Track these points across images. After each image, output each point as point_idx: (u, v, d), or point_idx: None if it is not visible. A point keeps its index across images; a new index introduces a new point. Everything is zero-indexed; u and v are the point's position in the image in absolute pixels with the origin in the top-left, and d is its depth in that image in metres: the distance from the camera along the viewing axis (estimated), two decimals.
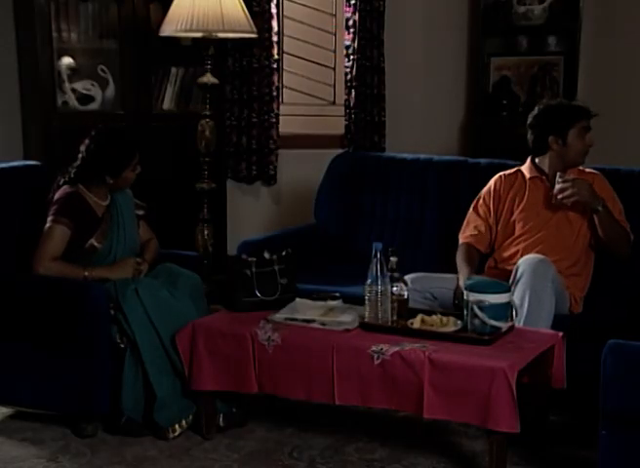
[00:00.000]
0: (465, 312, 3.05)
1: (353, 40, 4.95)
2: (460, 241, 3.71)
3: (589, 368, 2.78)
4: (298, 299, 3.36)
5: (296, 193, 5.00)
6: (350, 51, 4.97)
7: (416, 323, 3.10)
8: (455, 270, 3.58)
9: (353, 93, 4.98)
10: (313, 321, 3.17)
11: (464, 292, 3.07)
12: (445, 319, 3.11)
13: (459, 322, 3.09)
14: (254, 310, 3.31)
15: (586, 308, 3.50)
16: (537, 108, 3.63)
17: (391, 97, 4.98)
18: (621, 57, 4.97)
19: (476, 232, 3.69)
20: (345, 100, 5.02)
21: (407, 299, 3.17)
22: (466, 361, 2.83)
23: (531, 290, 3.24)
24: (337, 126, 5.04)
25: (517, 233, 3.62)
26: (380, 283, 3.10)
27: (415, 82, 5.09)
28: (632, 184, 3.72)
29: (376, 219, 4.17)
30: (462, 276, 3.49)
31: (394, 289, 3.13)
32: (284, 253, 3.43)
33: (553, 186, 3.48)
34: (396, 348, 2.92)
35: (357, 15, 4.93)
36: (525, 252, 3.52)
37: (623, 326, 3.14)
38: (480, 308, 2.99)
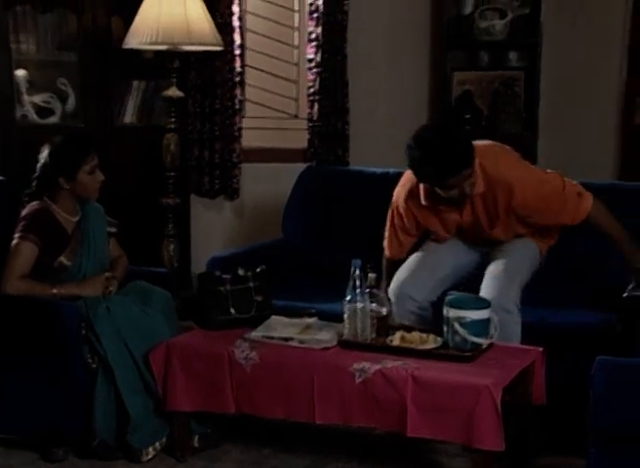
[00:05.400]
0: (446, 328, 3.03)
1: (316, 53, 4.93)
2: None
3: (570, 380, 2.80)
4: (273, 317, 3.31)
5: (259, 207, 4.95)
6: (313, 64, 4.94)
7: (395, 340, 3.08)
8: None
9: (316, 106, 4.95)
10: (291, 339, 3.13)
11: (444, 309, 3.05)
12: (425, 336, 3.09)
13: (438, 339, 3.07)
14: (228, 328, 3.26)
15: (561, 316, 3.51)
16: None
17: (355, 110, 4.96)
18: (582, 72, 5.03)
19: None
20: (309, 114, 4.99)
21: (386, 316, 3.15)
22: (450, 378, 2.82)
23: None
24: (300, 139, 5.01)
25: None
26: (358, 300, 3.07)
27: (378, 95, 5.08)
28: (599, 198, 3.73)
29: (346, 234, 4.14)
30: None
31: (373, 305, 3.11)
32: (259, 270, 3.39)
33: None
34: (378, 366, 2.89)
35: (320, 28, 4.90)
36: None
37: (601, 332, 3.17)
38: (461, 324, 2.97)
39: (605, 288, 3.41)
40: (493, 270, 3.41)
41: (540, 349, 3.08)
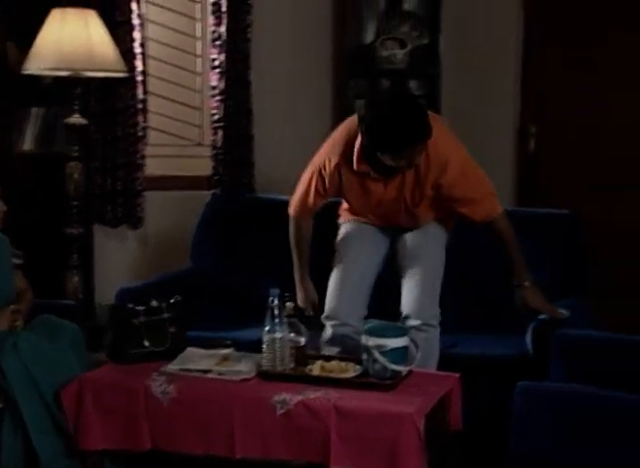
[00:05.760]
0: (366, 357, 3.02)
1: (220, 81, 4.90)
2: None
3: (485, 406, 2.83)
4: (189, 349, 3.25)
5: (164, 236, 4.87)
6: (217, 91, 4.91)
7: (315, 369, 3.06)
8: None
9: (220, 133, 4.92)
10: (209, 371, 3.07)
11: (363, 337, 3.04)
12: (344, 364, 3.08)
13: (357, 367, 3.06)
14: (143, 361, 3.18)
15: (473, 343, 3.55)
16: (371, 101, 3.31)
17: (259, 137, 4.95)
18: (478, 101, 5.14)
19: None
20: (212, 141, 4.95)
21: (304, 346, 3.13)
22: (373, 407, 2.81)
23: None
24: (204, 167, 4.96)
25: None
26: (277, 329, 3.04)
27: (282, 123, 5.08)
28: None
29: (257, 262, 4.11)
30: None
31: (291, 335, 3.08)
32: (173, 301, 3.32)
33: None
34: (300, 397, 2.86)
35: (224, 56, 4.88)
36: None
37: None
38: (381, 353, 2.97)
39: (515, 313, 3.48)
40: (411, 284, 3.42)
41: (457, 375, 3.11)
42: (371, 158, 3.26)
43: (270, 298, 3.04)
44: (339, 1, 5.05)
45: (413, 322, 3.39)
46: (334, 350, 3.39)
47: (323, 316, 3.47)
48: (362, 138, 3.23)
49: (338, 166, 3.36)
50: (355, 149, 3.30)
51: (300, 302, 3.51)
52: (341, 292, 3.46)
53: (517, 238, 3.40)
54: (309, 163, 3.51)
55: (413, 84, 5.17)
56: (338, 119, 5.11)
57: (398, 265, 3.52)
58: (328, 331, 3.46)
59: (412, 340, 3.07)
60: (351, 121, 3.40)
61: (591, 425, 2.51)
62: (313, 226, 3.59)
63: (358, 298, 3.45)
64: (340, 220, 3.67)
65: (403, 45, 5.08)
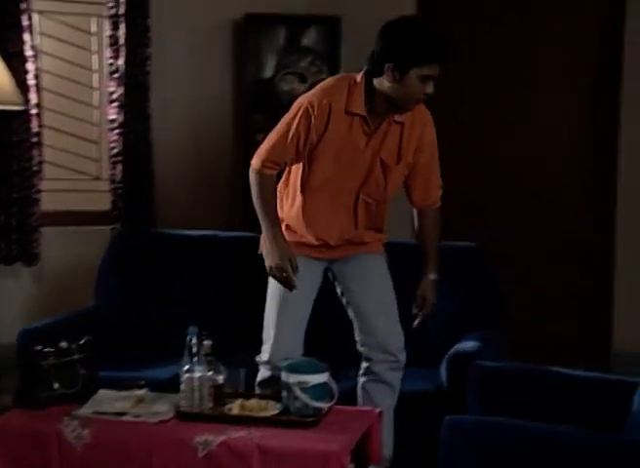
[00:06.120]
0: (286, 394, 2.98)
1: (118, 114, 4.81)
2: None
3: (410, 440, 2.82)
4: (101, 391, 3.13)
5: (62, 273, 4.72)
6: (116, 125, 4.82)
7: (235, 408, 2.99)
8: None
9: (120, 167, 4.82)
10: (125, 413, 2.96)
11: (283, 374, 3.00)
12: (264, 402, 3.03)
13: (277, 405, 3.01)
14: (53, 405, 3.04)
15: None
16: (396, 22, 3.15)
17: (161, 172, 4.87)
18: None
19: None
20: (111, 175, 4.85)
21: (223, 384, 3.06)
22: (297, 446, 2.77)
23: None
24: (102, 201, 4.85)
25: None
26: (196, 368, 2.97)
27: (183, 156, 5.02)
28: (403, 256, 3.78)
29: (164, 299, 4.02)
30: None
31: (210, 373, 3.01)
32: (83, 341, 3.19)
33: None
34: (222, 437, 2.79)
35: (122, 88, 4.80)
36: None
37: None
38: (302, 390, 2.94)
39: (432, 347, 3.52)
40: (389, 319, 3.38)
41: (378, 410, 3.10)
42: (370, 100, 3.16)
43: (188, 336, 2.97)
44: (238, 35, 5.04)
45: (400, 357, 3.36)
46: (267, 391, 3.31)
47: (259, 360, 3.39)
48: (399, 61, 3.06)
49: (329, 105, 3.16)
50: (353, 91, 3.16)
51: (278, 261, 3.21)
52: (281, 336, 3.34)
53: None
54: (281, 119, 3.26)
55: None
56: (239, 153, 5.12)
57: (357, 301, 3.40)
58: (264, 373, 3.39)
59: (387, 382, 3.29)
60: (340, 76, 3.35)
61: (516, 457, 2.53)
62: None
63: (297, 341, 3.37)
64: None
65: (303, 79, 5.12)
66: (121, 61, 4.80)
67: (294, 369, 2.98)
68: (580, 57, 5.07)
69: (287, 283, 3.22)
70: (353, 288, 3.40)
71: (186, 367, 2.96)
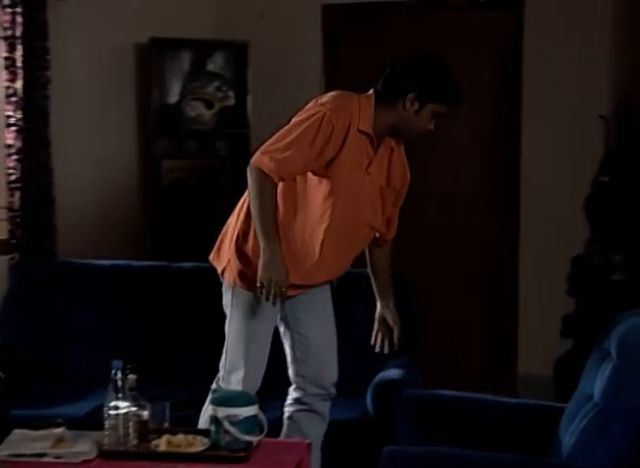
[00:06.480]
0: (214, 428, 2.88)
1: (17, 139, 4.61)
2: None
3: None
4: (16, 431, 2.95)
5: None
6: (14, 150, 4.61)
7: (162, 445, 2.86)
8: None
9: (18, 195, 4.61)
10: (45, 454, 2.80)
11: (210, 408, 2.90)
12: (191, 437, 2.91)
13: (205, 440, 2.91)
14: None
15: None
16: (426, 57, 3.14)
17: (62, 200, 4.69)
18: None
19: None
20: (9, 203, 4.63)
21: (147, 420, 2.93)
22: None
23: None
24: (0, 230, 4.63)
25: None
26: (120, 404, 2.84)
27: (86, 184, 4.86)
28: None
29: (73, 331, 3.86)
30: None
31: (134, 409, 2.88)
32: None
33: None
34: None
35: (20, 113, 4.61)
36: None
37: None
38: (232, 423, 2.84)
39: (354, 375, 3.48)
40: (329, 353, 3.31)
41: (307, 442, 3.04)
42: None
43: (113, 370, 2.84)
44: (143, 59, 4.94)
45: (332, 390, 3.31)
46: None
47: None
48: (404, 90, 3.04)
49: (350, 117, 3.03)
50: (363, 109, 3.06)
51: (282, 276, 2.99)
52: (250, 368, 3.22)
53: (353, 302, 3.50)
54: (294, 124, 3.05)
55: (221, 144, 5.18)
56: (145, 179, 5.01)
57: (302, 330, 3.30)
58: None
59: (318, 412, 3.23)
60: (344, 92, 3.17)
61: None
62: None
63: (262, 373, 3.26)
64: (237, 284, 3.21)
65: (210, 105, 5.05)
66: (19, 85, 4.60)
67: (222, 402, 2.88)
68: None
69: (274, 299, 3.03)
70: (299, 316, 3.29)
71: (111, 403, 2.82)
